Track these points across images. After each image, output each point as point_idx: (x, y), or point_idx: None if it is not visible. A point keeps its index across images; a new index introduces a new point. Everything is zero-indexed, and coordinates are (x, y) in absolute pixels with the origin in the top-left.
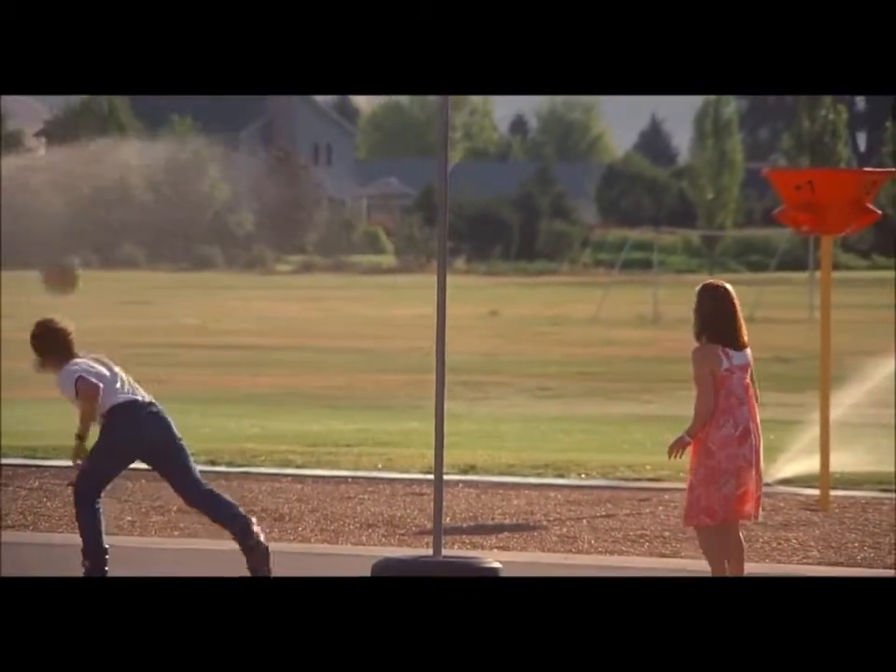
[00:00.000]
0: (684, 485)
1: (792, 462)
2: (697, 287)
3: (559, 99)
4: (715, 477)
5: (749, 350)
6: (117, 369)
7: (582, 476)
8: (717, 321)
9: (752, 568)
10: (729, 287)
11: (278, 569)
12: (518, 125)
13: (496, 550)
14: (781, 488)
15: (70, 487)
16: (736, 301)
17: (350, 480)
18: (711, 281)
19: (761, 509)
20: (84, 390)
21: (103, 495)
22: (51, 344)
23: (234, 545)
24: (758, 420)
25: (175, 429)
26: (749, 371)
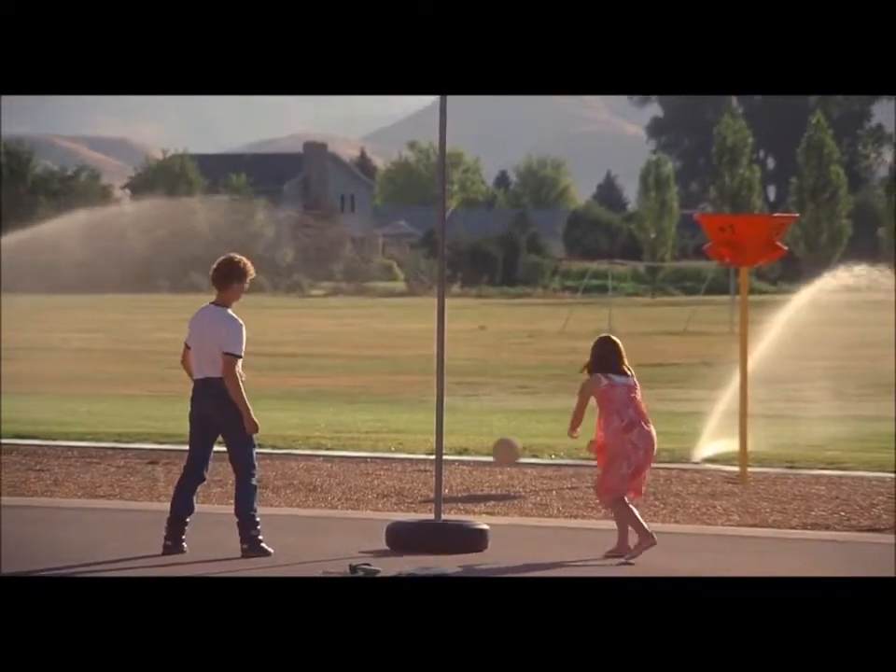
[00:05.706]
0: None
1: (716, 444)
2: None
3: (534, 158)
4: (611, 463)
5: (631, 376)
6: None
7: (552, 456)
8: (603, 359)
9: (685, 529)
10: (615, 338)
11: (312, 530)
12: (502, 179)
13: (484, 515)
14: (708, 465)
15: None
16: (621, 346)
17: (369, 459)
18: (604, 335)
19: (644, 486)
20: None
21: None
22: None
23: (285, 510)
24: (646, 417)
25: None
26: (635, 388)
